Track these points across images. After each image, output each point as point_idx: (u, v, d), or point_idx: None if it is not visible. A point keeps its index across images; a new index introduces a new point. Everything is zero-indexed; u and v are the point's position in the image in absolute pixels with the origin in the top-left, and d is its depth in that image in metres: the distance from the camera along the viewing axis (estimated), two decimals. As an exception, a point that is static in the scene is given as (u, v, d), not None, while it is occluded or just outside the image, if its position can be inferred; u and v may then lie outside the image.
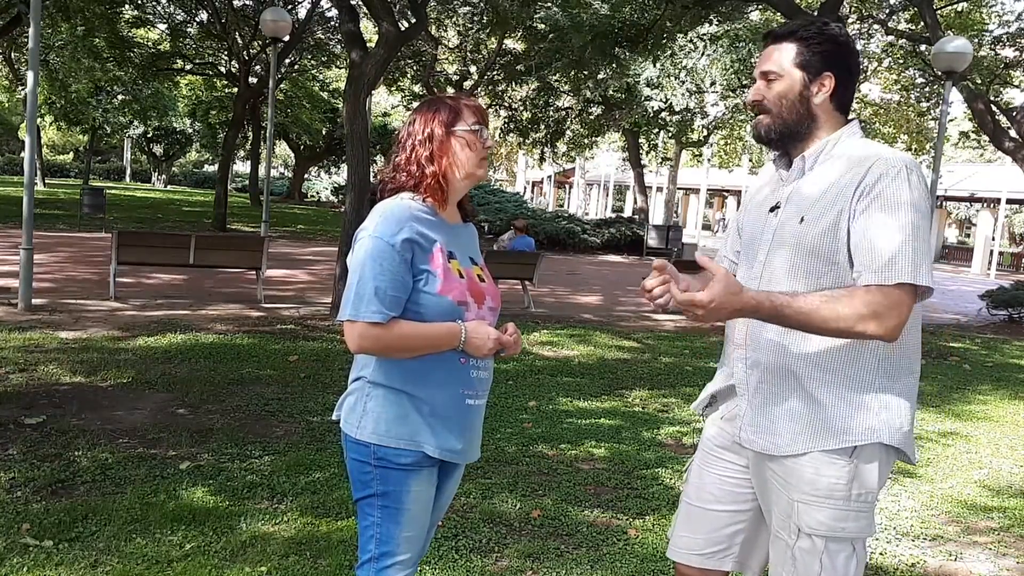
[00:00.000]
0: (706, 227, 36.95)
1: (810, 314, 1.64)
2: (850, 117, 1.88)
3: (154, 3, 20.30)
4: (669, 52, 15.93)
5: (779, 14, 12.49)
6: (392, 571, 1.91)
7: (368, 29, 15.87)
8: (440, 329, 1.85)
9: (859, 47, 18.88)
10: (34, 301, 7.49)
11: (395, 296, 1.80)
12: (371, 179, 8.49)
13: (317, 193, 38.15)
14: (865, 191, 1.69)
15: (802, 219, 1.77)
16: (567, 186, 46.33)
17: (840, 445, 1.74)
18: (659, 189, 33.73)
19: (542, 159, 24.54)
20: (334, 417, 1.99)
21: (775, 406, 1.80)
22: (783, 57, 1.81)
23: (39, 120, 18.48)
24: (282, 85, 24.83)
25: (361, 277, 1.80)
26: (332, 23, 19.89)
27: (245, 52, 20.35)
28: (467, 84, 20.05)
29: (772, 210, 1.86)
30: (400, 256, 1.80)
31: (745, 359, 1.85)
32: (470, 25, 17.41)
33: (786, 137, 1.83)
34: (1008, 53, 15.76)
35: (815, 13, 10.91)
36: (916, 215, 1.67)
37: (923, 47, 14.79)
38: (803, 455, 1.77)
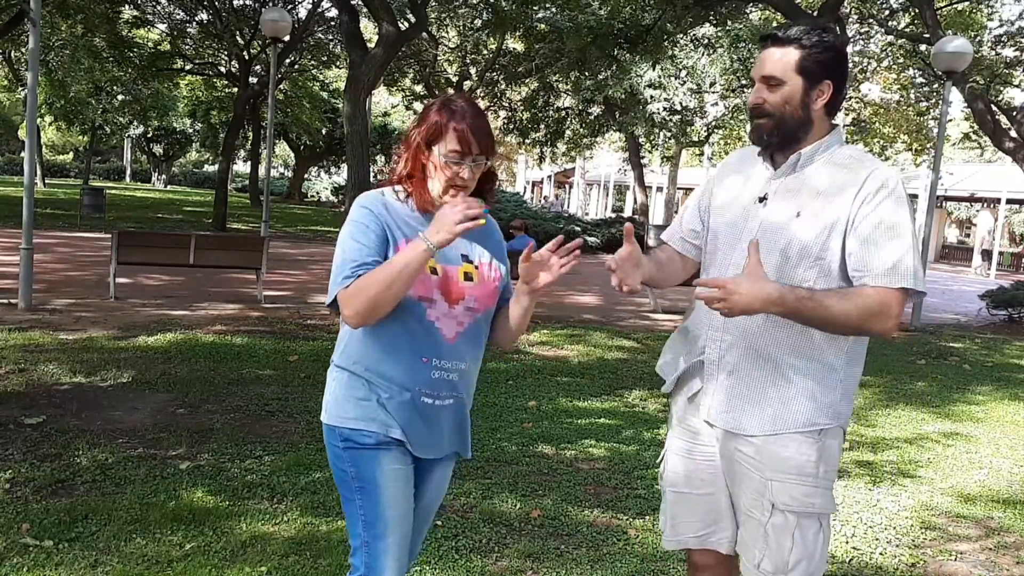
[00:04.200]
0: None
1: (827, 310, 1.75)
2: (839, 119, 1.96)
3: (154, 3, 20.31)
4: (669, 53, 15.94)
5: (779, 14, 12.50)
6: (384, 554, 1.89)
7: (368, 29, 15.87)
8: (403, 253, 1.77)
9: (859, 47, 18.91)
10: (34, 301, 7.49)
11: (370, 266, 1.77)
12: (371, 179, 8.49)
13: (317, 193, 38.14)
14: (867, 199, 1.80)
15: (798, 214, 1.85)
16: (567, 186, 46.32)
17: (811, 427, 1.86)
18: (659, 189, 33.71)
19: (542, 159, 24.54)
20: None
21: (750, 388, 1.89)
22: (785, 63, 1.85)
23: (39, 120, 18.49)
24: (282, 85, 24.83)
25: (341, 257, 1.81)
26: (332, 23, 19.90)
27: (245, 52, 20.36)
28: (467, 84, 20.05)
29: (760, 201, 1.92)
30: (375, 233, 1.81)
31: (721, 341, 1.93)
32: (470, 26, 17.42)
33: (787, 140, 1.89)
34: (1008, 53, 15.76)
35: (815, 13, 10.91)
36: (912, 227, 1.81)
37: (923, 47, 14.79)
38: (776, 435, 1.86)
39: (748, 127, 2.01)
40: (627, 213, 29.82)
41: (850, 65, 18.34)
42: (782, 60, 1.85)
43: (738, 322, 1.85)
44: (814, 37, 1.84)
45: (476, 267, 1.92)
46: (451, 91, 20.30)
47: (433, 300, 1.84)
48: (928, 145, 21.54)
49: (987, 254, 25.20)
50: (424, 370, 1.86)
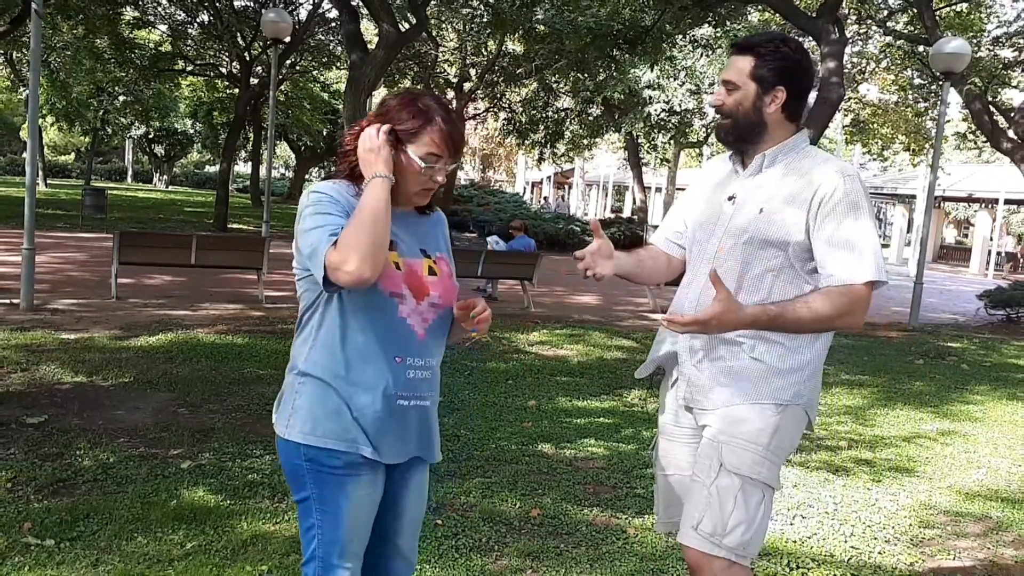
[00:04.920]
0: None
1: (798, 319, 1.91)
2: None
3: (155, 4, 20.33)
4: (668, 54, 15.94)
5: (778, 15, 12.52)
6: (339, 572, 1.83)
7: (368, 30, 15.89)
8: (365, 194, 1.70)
9: (858, 48, 18.91)
10: (35, 301, 7.50)
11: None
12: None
13: (317, 193, 38.00)
14: (825, 199, 1.93)
15: (761, 210, 2.00)
16: (567, 186, 46.33)
17: (771, 401, 1.97)
18: (658, 189, 33.75)
19: (541, 160, 24.55)
20: (274, 419, 1.86)
21: (718, 369, 2.01)
22: (742, 69, 2.01)
23: (40, 121, 18.53)
24: (283, 86, 24.83)
25: (319, 231, 1.69)
26: (333, 24, 19.92)
27: (246, 53, 20.37)
28: (467, 86, 20.06)
29: (730, 199, 2.07)
30: (337, 201, 1.73)
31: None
32: (470, 26, 17.43)
33: (740, 139, 2.06)
34: (1006, 53, 15.78)
35: (813, 14, 10.93)
36: (870, 218, 1.95)
37: (921, 48, 14.81)
38: (737, 405, 1.98)
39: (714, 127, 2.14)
40: (626, 213, 29.83)
41: (848, 66, 18.47)
42: (740, 66, 2.01)
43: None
44: (770, 47, 1.99)
45: (435, 261, 1.87)
46: (451, 92, 20.29)
47: (403, 296, 1.77)
48: (926, 145, 21.55)
49: (1009, 256, 25.29)
50: (399, 370, 1.77)
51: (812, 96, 2.39)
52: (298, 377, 1.80)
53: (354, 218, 1.68)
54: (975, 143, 18.85)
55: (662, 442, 2.20)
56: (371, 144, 1.74)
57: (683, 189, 36.92)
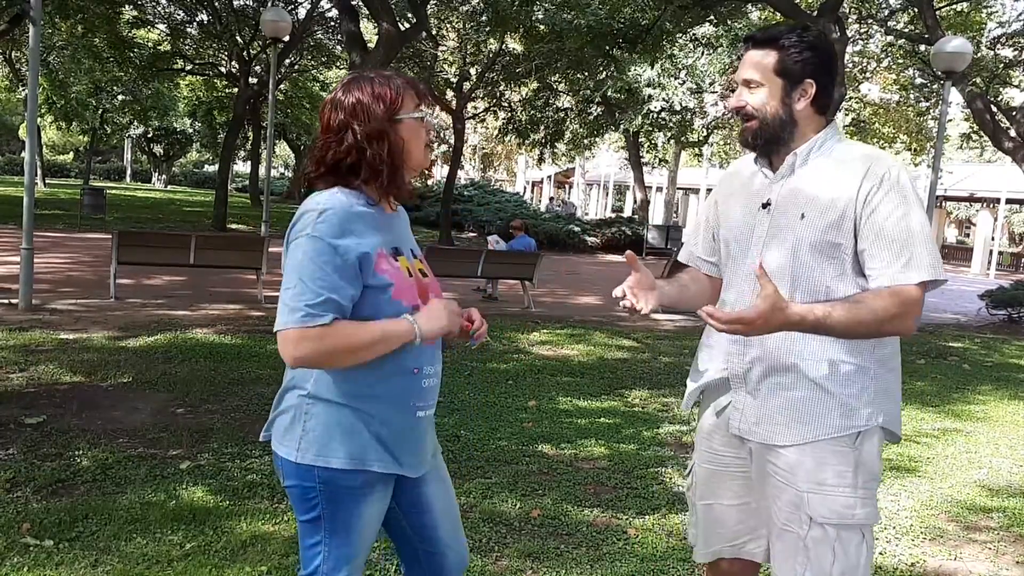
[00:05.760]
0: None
1: (847, 323, 1.71)
2: (835, 118, 1.91)
3: (154, 3, 20.33)
4: (668, 53, 15.94)
5: (779, 14, 12.50)
6: None
7: (368, 30, 15.87)
8: (390, 323, 1.67)
9: (859, 47, 18.90)
10: (34, 301, 7.49)
11: (338, 302, 1.62)
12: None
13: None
14: (871, 194, 1.75)
15: (803, 215, 1.81)
16: (567, 186, 46.32)
17: (846, 432, 1.80)
18: (659, 189, 33.72)
19: (541, 159, 24.53)
20: (262, 438, 1.82)
21: (778, 397, 1.84)
22: (764, 65, 1.84)
23: (39, 120, 18.51)
24: (282, 85, 24.85)
25: (298, 282, 1.61)
26: (332, 23, 19.91)
27: (245, 52, 20.37)
28: (466, 85, 20.05)
29: (764, 207, 1.88)
30: (343, 259, 1.63)
31: (743, 354, 1.88)
32: (470, 25, 17.42)
33: (770, 141, 1.87)
34: (1007, 53, 15.77)
35: (814, 13, 10.92)
36: (922, 212, 1.77)
37: (922, 47, 14.81)
38: (809, 444, 1.80)
39: (736, 133, 2.01)
40: (627, 213, 29.82)
41: (849, 65, 18.49)
42: (761, 62, 1.84)
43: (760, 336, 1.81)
44: (793, 38, 1.82)
45: (421, 260, 1.87)
46: (450, 92, 20.28)
47: (419, 307, 1.75)
48: (928, 145, 21.55)
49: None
50: (415, 381, 1.76)
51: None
52: (306, 399, 1.72)
53: (353, 333, 1.64)
54: (978, 143, 18.86)
55: (704, 471, 2.03)
56: (459, 314, 1.79)
57: (684, 189, 36.37)
